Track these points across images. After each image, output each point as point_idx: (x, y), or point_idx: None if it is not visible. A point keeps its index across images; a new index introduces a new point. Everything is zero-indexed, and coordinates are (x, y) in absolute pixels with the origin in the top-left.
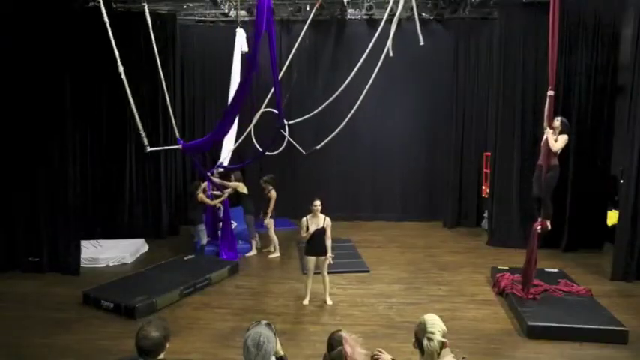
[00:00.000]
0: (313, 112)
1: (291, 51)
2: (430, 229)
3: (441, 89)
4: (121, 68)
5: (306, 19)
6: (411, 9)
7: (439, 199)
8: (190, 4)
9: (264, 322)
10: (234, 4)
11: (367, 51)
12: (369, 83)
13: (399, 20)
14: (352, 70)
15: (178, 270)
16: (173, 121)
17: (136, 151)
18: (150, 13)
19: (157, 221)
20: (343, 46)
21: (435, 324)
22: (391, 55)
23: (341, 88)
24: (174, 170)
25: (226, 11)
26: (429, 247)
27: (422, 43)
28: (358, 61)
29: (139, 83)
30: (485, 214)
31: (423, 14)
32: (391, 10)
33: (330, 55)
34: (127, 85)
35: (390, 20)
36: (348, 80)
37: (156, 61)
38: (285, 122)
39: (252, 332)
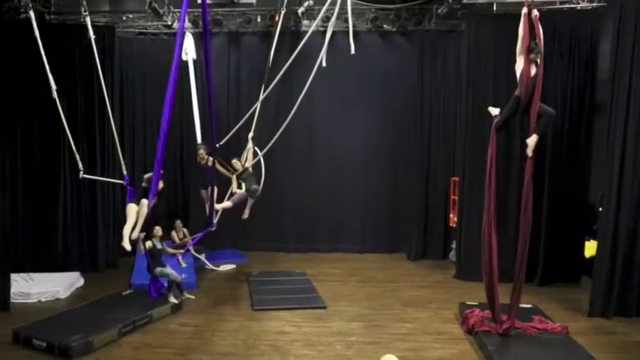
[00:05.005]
0: (272, 142)
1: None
2: (393, 262)
3: (404, 108)
4: (53, 87)
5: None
6: (371, 21)
7: (403, 228)
8: (130, 15)
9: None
10: (179, 14)
11: (315, 69)
12: (302, 94)
13: (358, 33)
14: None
15: (117, 306)
16: (120, 155)
17: (71, 175)
18: (86, 25)
19: (94, 253)
20: (298, 60)
21: None
22: (324, 65)
23: (292, 113)
24: (113, 197)
25: (169, 23)
26: (391, 281)
27: (352, 52)
28: (314, 76)
29: (74, 101)
30: (453, 245)
31: (385, 26)
32: (347, 20)
33: (283, 70)
34: (59, 106)
35: (346, 32)
36: (297, 105)
37: (92, 77)
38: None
39: None
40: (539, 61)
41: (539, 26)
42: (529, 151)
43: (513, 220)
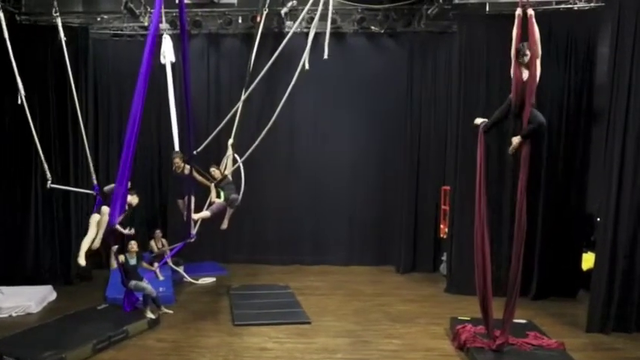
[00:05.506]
0: (252, 148)
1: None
2: (381, 275)
3: (393, 112)
4: (22, 92)
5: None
6: (357, 22)
7: (391, 239)
8: (105, 16)
9: None
10: None
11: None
12: (284, 98)
13: (344, 35)
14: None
15: (91, 321)
16: (90, 163)
17: (43, 185)
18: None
19: (67, 265)
20: (281, 63)
21: None
22: (307, 67)
23: (273, 118)
24: (87, 207)
25: (146, 24)
26: (379, 295)
27: (326, 57)
28: (298, 80)
29: (47, 106)
30: (444, 257)
31: (373, 27)
32: (334, 22)
33: (265, 74)
34: (27, 111)
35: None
36: (279, 109)
37: (65, 81)
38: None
39: None
40: (535, 63)
41: (535, 27)
42: (510, 150)
43: (508, 230)
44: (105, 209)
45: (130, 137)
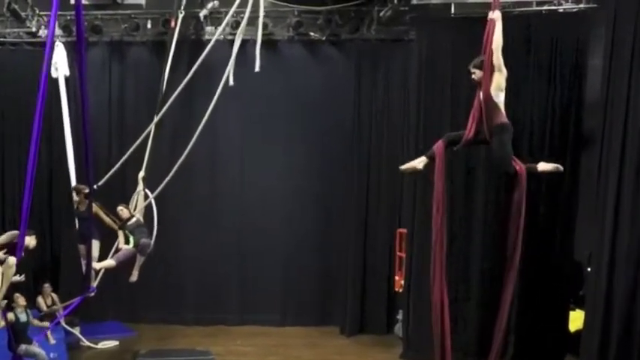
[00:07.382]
0: (165, 181)
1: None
2: (322, 337)
3: (337, 137)
4: None
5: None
6: (293, 27)
7: (335, 294)
8: None
9: None
10: (46, 19)
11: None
12: (204, 120)
13: (276, 42)
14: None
15: None
16: None
17: None
18: None
19: None
20: (200, 77)
21: None
22: (231, 83)
23: (191, 144)
24: None
25: (34, 29)
26: None
27: (257, 70)
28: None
29: None
30: (400, 316)
31: (312, 34)
32: (265, 27)
33: (182, 90)
34: None
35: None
36: (198, 133)
37: None
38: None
39: None
40: (490, 78)
41: (496, 31)
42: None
43: (478, 280)
44: (12, 260)
45: (30, 172)
